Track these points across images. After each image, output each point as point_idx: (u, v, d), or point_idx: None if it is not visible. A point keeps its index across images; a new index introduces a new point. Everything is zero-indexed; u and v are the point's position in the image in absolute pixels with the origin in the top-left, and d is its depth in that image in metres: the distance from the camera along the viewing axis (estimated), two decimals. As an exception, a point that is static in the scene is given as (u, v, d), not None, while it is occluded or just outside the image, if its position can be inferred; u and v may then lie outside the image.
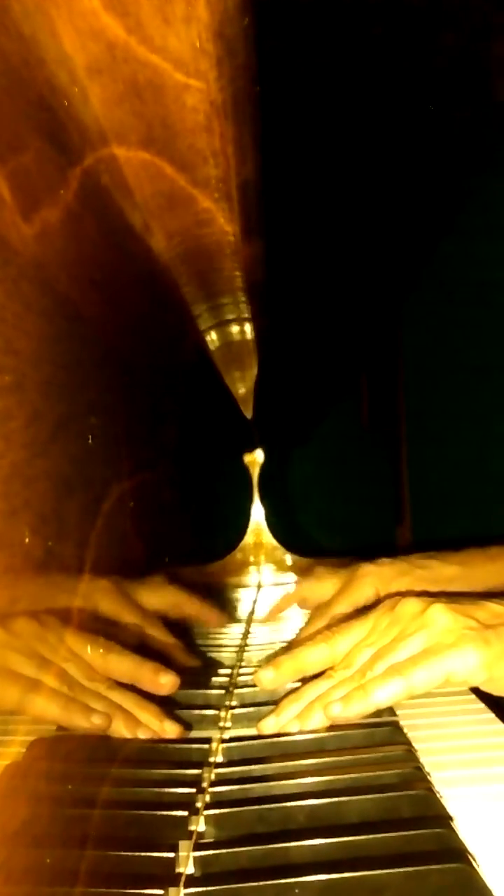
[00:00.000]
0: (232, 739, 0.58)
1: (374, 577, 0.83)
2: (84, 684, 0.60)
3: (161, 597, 0.89)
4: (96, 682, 0.61)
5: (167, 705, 0.62)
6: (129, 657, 0.64)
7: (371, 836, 0.42)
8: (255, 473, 1.49)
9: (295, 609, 1.09)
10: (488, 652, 0.54)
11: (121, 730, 0.58)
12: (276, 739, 0.57)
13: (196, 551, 1.46)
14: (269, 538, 1.48)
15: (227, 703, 0.66)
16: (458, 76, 1.06)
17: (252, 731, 0.60)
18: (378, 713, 0.60)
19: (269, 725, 0.59)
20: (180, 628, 0.92)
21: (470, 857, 0.39)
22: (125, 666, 0.64)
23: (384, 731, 0.56)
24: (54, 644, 0.62)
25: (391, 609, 0.60)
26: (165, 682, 0.63)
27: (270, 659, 0.81)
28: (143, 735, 0.59)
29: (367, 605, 0.81)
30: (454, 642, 0.54)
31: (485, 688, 0.57)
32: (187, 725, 0.63)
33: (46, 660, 0.61)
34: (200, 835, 0.44)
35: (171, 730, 0.59)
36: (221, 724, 0.63)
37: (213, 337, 1.13)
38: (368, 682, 0.56)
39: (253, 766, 0.53)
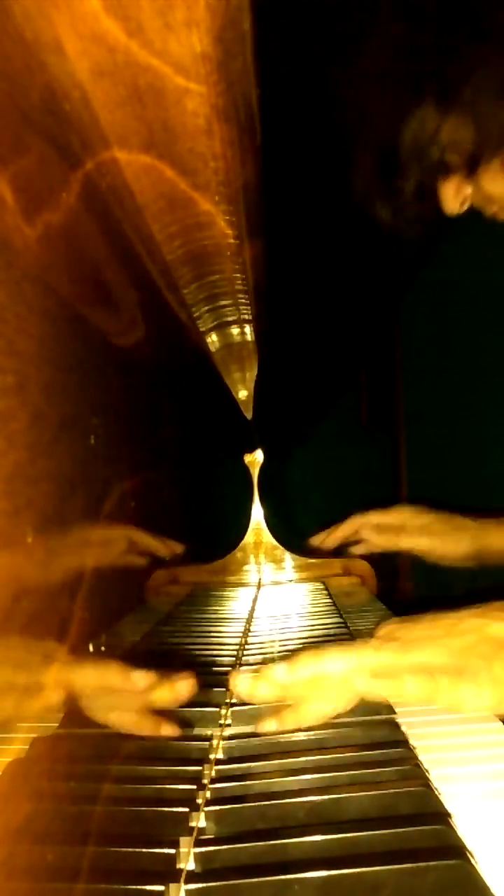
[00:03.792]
0: (232, 737, 0.58)
1: (406, 510, 1.00)
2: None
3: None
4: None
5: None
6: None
7: (370, 833, 0.42)
8: (255, 473, 1.50)
9: (295, 609, 1.10)
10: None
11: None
12: (275, 737, 0.57)
13: (196, 551, 1.47)
14: (268, 538, 1.48)
15: (227, 700, 0.67)
16: (457, 76, 1.06)
17: (252, 729, 0.60)
18: (377, 711, 0.60)
19: (269, 727, 0.59)
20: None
21: (468, 853, 0.40)
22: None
23: (383, 729, 0.57)
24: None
25: None
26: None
27: (269, 658, 0.81)
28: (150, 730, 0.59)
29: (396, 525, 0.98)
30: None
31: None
32: (188, 723, 0.63)
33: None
34: (201, 831, 0.45)
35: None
36: (222, 721, 0.64)
37: (213, 338, 1.13)
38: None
39: (253, 763, 0.53)
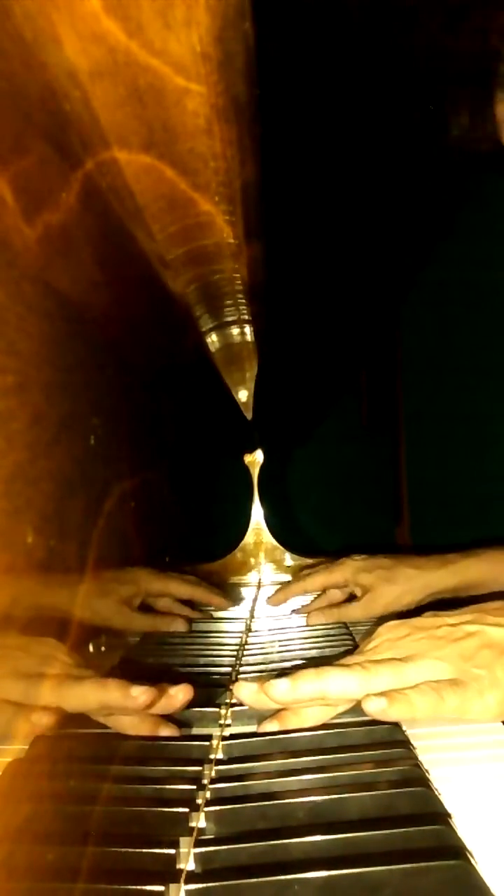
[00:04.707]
0: (232, 736, 0.58)
1: (348, 567, 1.03)
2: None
3: (182, 582, 1.10)
4: None
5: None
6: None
7: (370, 833, 0.42)
8: (255, 473, 1.50)
9: (295, 609, 1.10)
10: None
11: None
12: (276, 737, 0.57)
13: (196, 551, 1.47)
14: (269, 538, 1.48)
15: (227, 700, 0.67)
16: (458, 76, 1.06)
17: (252, 729, 0.60)
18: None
19: (270, 727, 0.59)
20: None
21: (468, 854, 0.40)
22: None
23: (383, 728, 0.57)
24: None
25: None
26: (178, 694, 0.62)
27: (269, 658, 0.81)
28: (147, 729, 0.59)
29: (336, 586, 1.04)
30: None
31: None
32: (188, 723, 0.63)
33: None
34: (201, 831, 0.45)
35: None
36: (222, 721, 0.64)
37: (213, 338, 1.13)
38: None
39: (253, 763, 0.53)
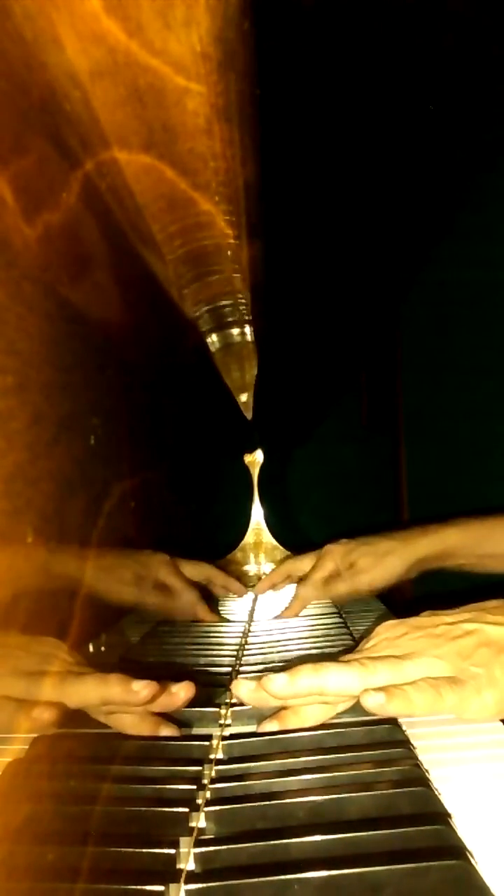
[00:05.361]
0: (232, 736, 0.58)
1: (335, 553, 1.05)
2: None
3: (198, 570, 1.13)
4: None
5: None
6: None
7: (370, 833, 0.42)
8: (255, 473, 1.50)
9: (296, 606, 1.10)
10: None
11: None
12: (276, 737, 0.57)
13: (196, 551, 1.47)
14: (269, 538, 1.48)
15: (227, 700, 0.67)
16: (457, 76, 1.06)
17: (252, 728, 0.60)
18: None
19: (270, 727, 0.59)
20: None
21: (468, 853, 0.40)
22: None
23: (383, 728, 0.57)
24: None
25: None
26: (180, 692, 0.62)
27: (270, 658, 0.81)
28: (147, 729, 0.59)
29: (330, 575, 1.04)
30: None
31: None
32: (188, 723, 0.63)
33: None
34: (201, 831, 0.45)
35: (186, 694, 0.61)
36: (222, 721, 0.64)
37: (213, 338, 1.13)
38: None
39: (253, 763, 0.53)
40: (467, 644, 0.60)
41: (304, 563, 1.10)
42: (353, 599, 1.07)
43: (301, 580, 1.08)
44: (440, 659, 0.59)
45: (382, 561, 1.02)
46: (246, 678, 0.61)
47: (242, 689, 0.60)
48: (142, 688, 0.57)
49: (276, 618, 1.06)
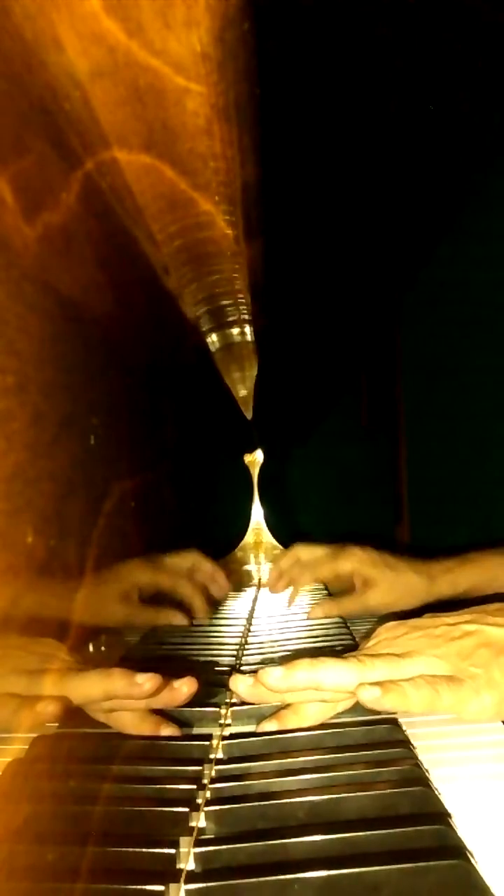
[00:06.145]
0: (232, 736, 0.58)
1: (354, 556, 1.02)
2: None
3: (182, 558, 1.11)
4: None
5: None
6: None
7: (370, 833, 0.42)
8: (255, 473, 1.50)
9: (296, 608, 1.10)
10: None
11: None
12: (275, 736, 0.57)
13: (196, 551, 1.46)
14: (269, 538, 1.48)
15: (227, 700, 0.67)
16: (458, 76, 1.06)
17: (252, 728, 0.60)
18: (377, 710, 0.60)
19: (269, 727, 0.59)
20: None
21: (468, 854, 0.40)
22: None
23: (383, 728, 0.57)
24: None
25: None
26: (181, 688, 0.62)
27: (270, 657, 0.81)
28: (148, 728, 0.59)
29: (342, 576, 1.03)
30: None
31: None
32: (188, 723, 0.63)
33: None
34: (201, 831, 0.45)
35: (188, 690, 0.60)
36: (222, 721, 0.64)
37: (213, 338, 1.13)
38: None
39: (253, 763, 0.53)
40: (467, 644, 0.60)
41: (315, 551, 1.08)
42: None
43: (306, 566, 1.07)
44: (439, 658, 0.59)
45: (401, 595, 1.00)
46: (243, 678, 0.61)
47: (240, 684, 0.60)
48: (145, 680, 0.57)
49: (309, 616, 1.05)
